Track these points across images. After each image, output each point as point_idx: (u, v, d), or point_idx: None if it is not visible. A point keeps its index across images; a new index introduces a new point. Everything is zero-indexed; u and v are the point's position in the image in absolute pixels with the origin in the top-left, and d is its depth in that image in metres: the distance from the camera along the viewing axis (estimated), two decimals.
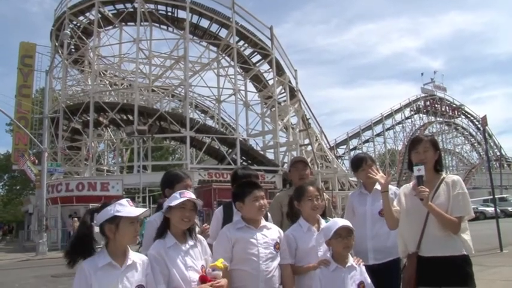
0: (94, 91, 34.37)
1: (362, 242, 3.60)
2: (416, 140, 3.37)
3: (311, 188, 3.35)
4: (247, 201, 3.08)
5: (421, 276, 3.08)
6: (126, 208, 2.47)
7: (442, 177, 3.22)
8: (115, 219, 2.43)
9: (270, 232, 3.12)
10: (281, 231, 3.23)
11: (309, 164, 4.30)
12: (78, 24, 37.28)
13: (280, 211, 3.80)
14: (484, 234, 12.90)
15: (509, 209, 33.26)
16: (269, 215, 3.58)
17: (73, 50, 37.98)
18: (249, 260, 2.96)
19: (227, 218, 3.49)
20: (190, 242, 2.80)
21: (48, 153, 25.37)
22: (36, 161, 26.05)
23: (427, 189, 3.04)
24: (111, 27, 38.14)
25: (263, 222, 3.15)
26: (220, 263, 2.73)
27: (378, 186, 3.82)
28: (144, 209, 2.60)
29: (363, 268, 3.07)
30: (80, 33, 36.24)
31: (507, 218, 28.82)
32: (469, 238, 3.09)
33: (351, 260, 3.02)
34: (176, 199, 2.74)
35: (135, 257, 2.52)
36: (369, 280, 3.03)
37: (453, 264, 2.98)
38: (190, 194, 2.81)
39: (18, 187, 53.40)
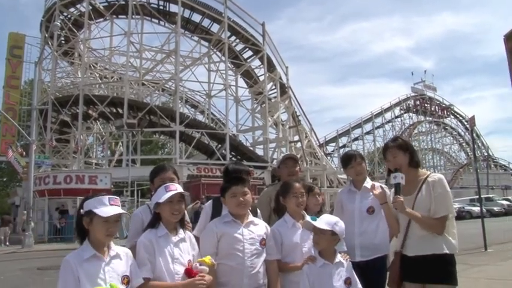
0: (84, 84, 34.14)
1: (350, 238, 3.63)
2: (385, 148, 3.47)
3: (297, 185, 3.37)
4: (227, 197, 3.10)
5: (406, 273, 3.15)
6: (102, 207, 2.47)
7: (425, 176, 3.24)
8: (90, 214, 2.46)
9: (257, 228, 3.11)
10: (268, 227, 3.22)
11: (299, 161, 4.32)
12: (69, 16, 36.97)
13: (269, 206, 3.80)
14: (469, 233, 13.05)
15: (495, 208, 33.69)
16: (258, 210, 3.58)
17: (63, 42, 37.63)
18: (234, 255, 2.95)
19: (216, 213, 3.49)
20: (181, 235, 2.82)
21: (36, 145, 25.17)
22: (24, 153, 25.83)
23: (401, 199, 3.11)
24: (102, 19, 37.84)
25: (250, 217, 3.14)
26: (208, 259, 2.74)
27: (366, 184, 3.86)
28: (121, 211, 2.53)
29: (350, 264, 3.09)
30: (70, 25, 35.98)
31: (493, 217, 29.12)
32: (454, 237, 3.13)
33: (339, 256, 3.04)
34: (163, 194, 2.75)
35: (118, 249, 2.56)
36: (355, 276, 3.05)
37: (436, 262, 3.04)
38: (175, 186, 2.82)
39: (5, 179, 52.86)
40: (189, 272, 2.67)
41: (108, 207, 2.47)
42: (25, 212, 22.41)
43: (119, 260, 2.51)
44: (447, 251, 3.07)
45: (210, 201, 3.72)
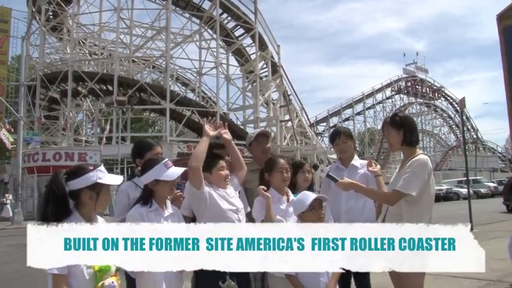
0: (73, 60, 33.71)
1: (336, 216, 3.62)
2: (383, 124, 3.45)
3: (282, 161, 3.37)
4: (214, 171, 3.08)
5: None
6: (107, 175, 2.43)
7: (414, 154, 3.19)
8: (96, 187, 2.38)
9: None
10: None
11: (271, 137, 4.17)
12: None
13: (244, 187, 3.68)
14: (456, 214, 13.24)
15: (482, 190, 34.06)
16: None
17: (51, 17, 36.93)
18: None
19: None
20: (169, 210, 2.86)
21: (24, 122, 24.89)
22: (12, 130, 25.56)
23: (343, 181, 3.27)
24: None
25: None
26: None
27: (354, 162, 3.85)
28: (121, 177, 2.63)
29: None
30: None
31: (479, 199, 29.48)
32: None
33: None
34: (164, 171, 2.78)
35: (102, 222, 2.54)
36: None
37: None
38: (172, 163, 2.87)
39: None
40: None
41: (110, 176, 2.48)
42: None
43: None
44: None
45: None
